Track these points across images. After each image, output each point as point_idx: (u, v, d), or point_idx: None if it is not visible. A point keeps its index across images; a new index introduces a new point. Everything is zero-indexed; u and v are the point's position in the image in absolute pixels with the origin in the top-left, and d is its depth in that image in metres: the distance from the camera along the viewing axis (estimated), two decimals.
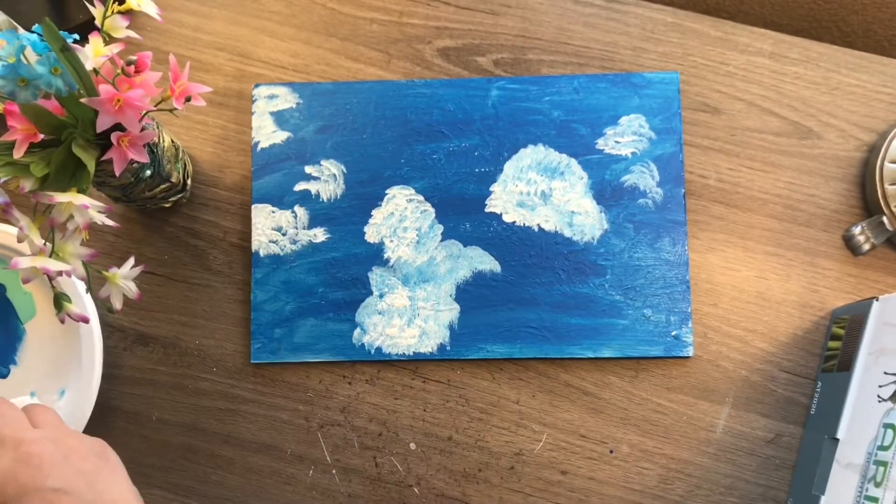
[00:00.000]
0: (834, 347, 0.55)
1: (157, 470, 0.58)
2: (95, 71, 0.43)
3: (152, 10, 0.47)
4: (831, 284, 0.58)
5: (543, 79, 0.60)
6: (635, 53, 0.61)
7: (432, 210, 0.59)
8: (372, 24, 0.62)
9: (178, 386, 0.59)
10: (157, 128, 0.52)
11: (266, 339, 0.58)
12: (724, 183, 0.59)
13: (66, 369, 0.57)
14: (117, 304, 0.47)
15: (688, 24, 0.61)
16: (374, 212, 0.59)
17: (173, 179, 0.56)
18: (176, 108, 0.46)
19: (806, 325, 0.58)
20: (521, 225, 0.58)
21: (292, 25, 0.62)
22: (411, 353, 0.57)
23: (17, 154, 0.42)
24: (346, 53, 0.62)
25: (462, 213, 0.59)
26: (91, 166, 0.43)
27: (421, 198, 0.59)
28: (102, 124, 0.42)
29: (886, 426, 0.48)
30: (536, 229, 0.58)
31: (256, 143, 0.60)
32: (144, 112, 0.44)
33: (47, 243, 0.43)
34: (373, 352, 0.57)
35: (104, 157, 0.44)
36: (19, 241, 0.43)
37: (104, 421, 0.58)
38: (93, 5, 0.45)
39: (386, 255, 0.58)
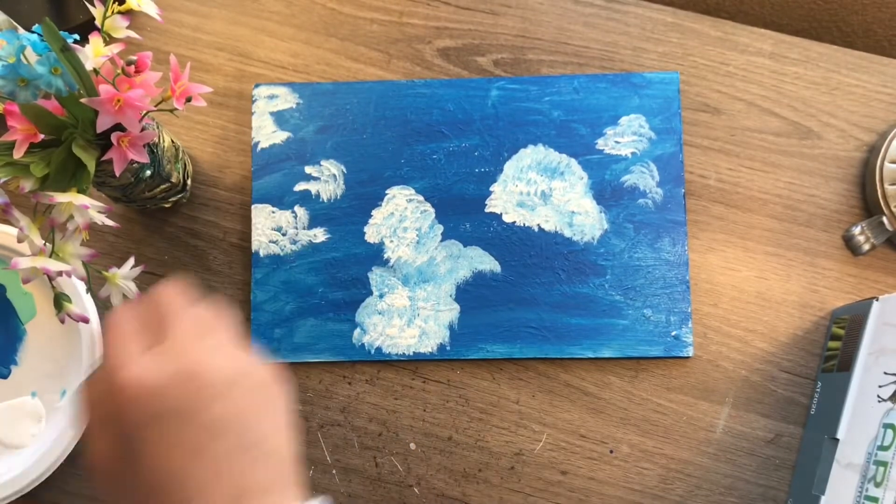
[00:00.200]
0: (834, 347, 0.55)
1: None
2: (95, 71, 0.43)
3: (152, 10, 0.47)
4: (831, 284, 0.58)
5: (543, 79, 0.60)
6: (635, 53, 0.61)
7: (432, 210, 0.59)
8: (372, 24, 0.62)
9: None
10: (157, 128, 0.52)
11: (266, 339, 0.58)
12: (724, 183, 0.59)
13: (66, 369, 0.57)
14: (117, 304, 0.47)
15: (688, 24, 0.61)
16: (374, 212, 0.59)
17: (173, 179, 0.56)
18: (176, 109, 0.46)
19: (806, 325, 0.58)
20: (521, 225, 0.58)
21: (292, 25, 0.62)
22: (411, 353, 0.57)
23: (17, 154, 0.42)
24: (346, 53, 0.62)
25: (462, 214, 0.59)
26: (91, 166, 0.43)
27: (421, 198, 0.59)
28: (102, 124, 0.42)
29: (886, 426, 0.48)
30: (536, 229, 0.58)
31: (256, 144, 0.60)
32: (144, 112, 0.44)
33: (47, 243, 0.43)
34: (373, 352, 0.57)
35: (104, 158, 0.44)
36: (19, 241, 0.43)
37: None
38: (93, 5, 0.45)
39: (386, 256, 0.58)
